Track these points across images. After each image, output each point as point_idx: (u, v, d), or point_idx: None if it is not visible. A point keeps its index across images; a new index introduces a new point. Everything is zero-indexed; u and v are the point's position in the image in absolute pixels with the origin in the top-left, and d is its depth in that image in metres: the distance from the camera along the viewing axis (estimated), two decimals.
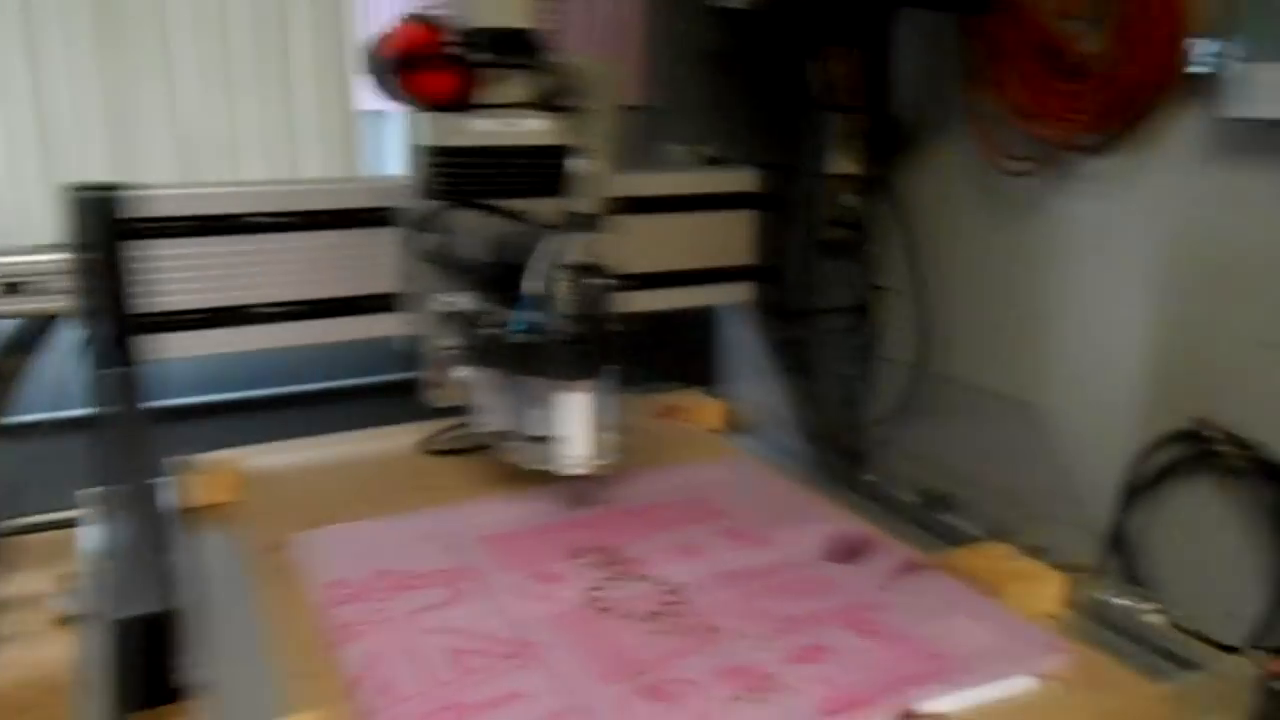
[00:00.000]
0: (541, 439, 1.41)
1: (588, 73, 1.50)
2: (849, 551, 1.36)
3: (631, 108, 2.10)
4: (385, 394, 1.83)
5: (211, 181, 1.81)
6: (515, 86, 1.46)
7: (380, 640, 1.16)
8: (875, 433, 2.11)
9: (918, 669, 1.11)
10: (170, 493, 1.49)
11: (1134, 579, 1.63)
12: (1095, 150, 1.67)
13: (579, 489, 1.50)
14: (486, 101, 1.44)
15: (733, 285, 1.95)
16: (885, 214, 2.06)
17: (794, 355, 1.98)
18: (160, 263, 1.53)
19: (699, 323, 2.08)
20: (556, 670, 1.11)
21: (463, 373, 1.51)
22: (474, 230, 1.49)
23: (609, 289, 1.37)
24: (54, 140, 1.79)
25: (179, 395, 1.84)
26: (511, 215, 1.46)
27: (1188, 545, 1.58)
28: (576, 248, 1.36)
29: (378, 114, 1.97)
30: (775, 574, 1.31)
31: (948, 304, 1.99)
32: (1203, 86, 1.45)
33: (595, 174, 1.51)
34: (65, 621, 1.42)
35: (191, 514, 1.51)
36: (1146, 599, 1.56)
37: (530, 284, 1.34)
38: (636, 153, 2.03)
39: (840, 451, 1.93)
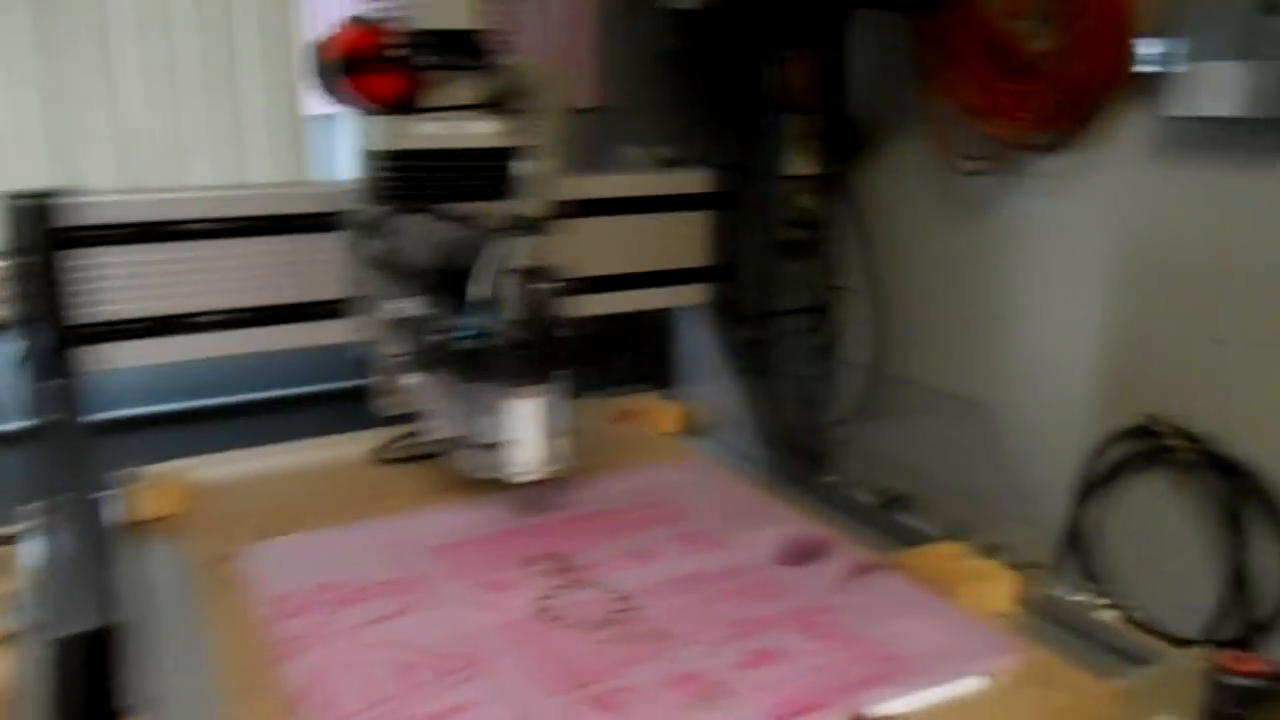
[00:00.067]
0: (492, 446, 1.39)
1: (535, 74, 1.48)
2: (803, 554, 1.36)
3: (587, 110, 2.08)
4: (336, 402, 1.80)
5: (153, 187, 1.77)
6: (462, 88, 1.43)
7: (325, 655, 1.14)
8: (834, 434, 2.11)
9: (869, 671, 1.11)
10: (116, 506, 1.46)
11: (1090, 575, 1.64)
12: (1046, 149, 1.67)
13: (532, 495, 1.48)
14: (433, 104, 1.42)
15: (689, 287, 1.94)
16: (842, 214, 2.06)
17: (752, 357, 1.97)
18: (101, 271, 1.50)
19: (657, 325, 2.06)
20: (504, 682, 1.09)
21: (412, 380, 1.49)
22: (422, 235, 1.47)
23: (557, 293, 1.35)
24: None
25: (124, 406, 1.80)
26: (459, 219, 1.44)
27: (1142, 540, 1.59)
28: (524, 251, 1.35)
29: (328, 117, 1.93)
30: (729, 578, 1.30)
31: (905, 304, 1.99)
32: (1149, 86, 1.46)
33: (543, 176, 1.49)
34: (5, 639, 1.39)
35: (138, 527, 1.48)
36: (1101, 595, 1.57)
37: (476, 289, 1.32)
38: (592, 155, 2.02)
39: (799, 453, 1.92)
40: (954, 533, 1.61)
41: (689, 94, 2.08)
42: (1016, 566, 1.54)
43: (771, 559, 1.36)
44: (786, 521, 1.48)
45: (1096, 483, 1.65)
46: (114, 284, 1.51)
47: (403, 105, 1.41)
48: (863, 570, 1.32)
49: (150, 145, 1.83)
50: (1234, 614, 1.44)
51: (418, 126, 1.41)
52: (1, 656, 1.34)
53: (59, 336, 1.48)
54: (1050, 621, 1.28)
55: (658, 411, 1.94)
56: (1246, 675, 1.25)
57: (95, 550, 1.26)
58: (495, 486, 1.45)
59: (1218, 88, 1.35)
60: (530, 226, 1.41)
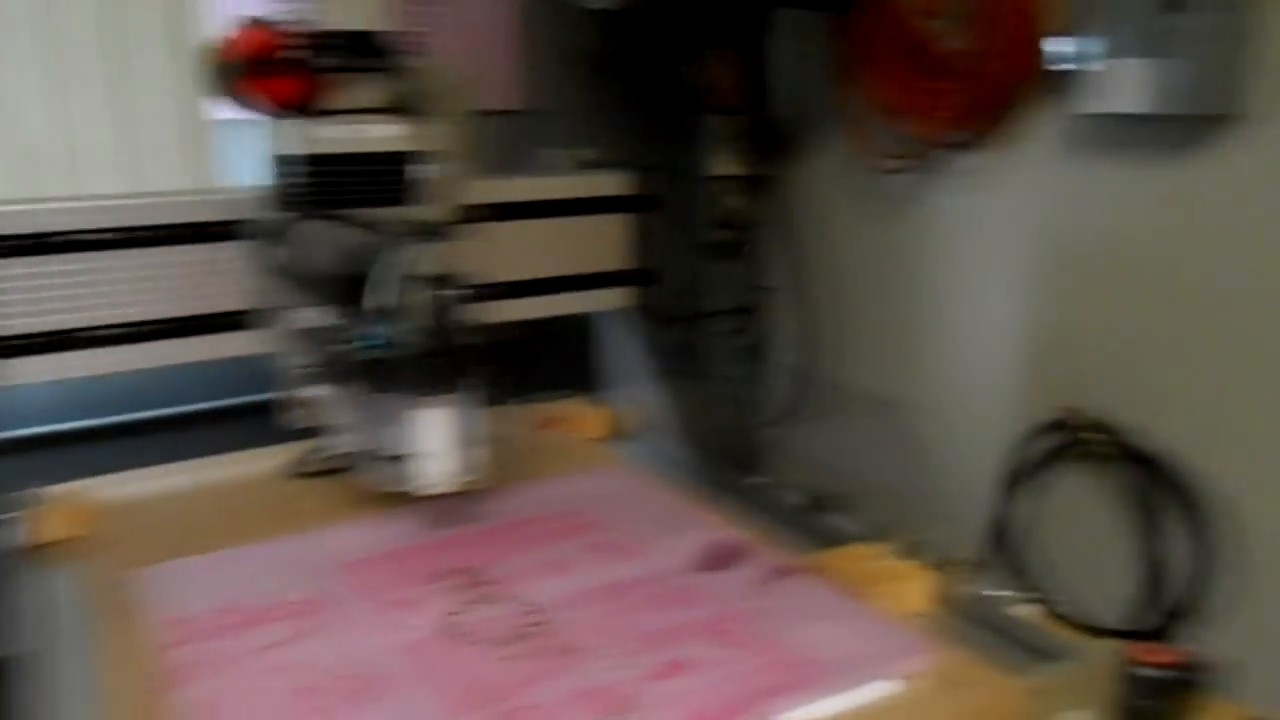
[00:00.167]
0: (400, 458, 1.36)
1: (441, 76, 1.45)
2: (720, 560, 1.34)
3: (507, 112, 2.05)
4: (244, 417, 1.75)
5: (50, 197, 1.71)
6: (365, 91, 1.40)
7: (219, 683, 1.10)
8: (763, 436, 2.10)
9: (781, 679, 1.09)
10: (17, 529, 1.40)
11: (1016, 570, 1.64)
12: (964, 146, 1.68)
13: (444, 508, 1.44)
14: (335, 107, 1.39)
15: (611, 290, 1.92)
16: (769, 215, 2.05)
17: (679, 360, 1.96)
18: None
19: (581, 330, 2.04)
20: (406, 704, 1.06)
21: (320, 392, 1.45)
22: (327, 242, 1.42)
23: (464, 300, 1.32)
24: None
25: (24, 425, 1.73)
26: (364, 225, 1.41)
27: (1065, 533, 1.60)
28: (429, 258, 1.32)
29: (236, 123, 1.88)
30: (643, 587, 1.28)
31: (833, 303, 1.98)
32: (1062, 83, 1.46)
33: (449, 180, 1.45)
34: None
35: (40, 551, 1.42)
36: (1025, 590, 1.58)
37: (376, 297, 1.29)
38: (513, 157, 1.99)
39: (727, 455, 1.91)
40: (880, 533, 1.61)
41: (613, 95, 2.06)
42: (940, 564, 1.54)
43: (688, 566, 1.34)
44: (707, 527, 1.46)
45: (1019, 477, 1.65)
46: (10, 298, 1.45)
47: (303, 109, 1.38)
48: (780, 574, 1.30)
49: (47, 154, 1.77)
50: (1153, 604, 1.46)
51: (319, 130, 1.38)
52: None
53: None
54: (967, 620, 1.28)
55: (583, 417, 1.91)
56: (1157, 666, 1.26)
57: None
58: (407, 500, 1.42)
59: (1125, 85, 1.36)
60: (436, 232, 1.37)
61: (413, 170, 1.41)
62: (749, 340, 2.12)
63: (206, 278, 1.56)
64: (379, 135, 1.39)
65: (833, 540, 1.48)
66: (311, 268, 1.44)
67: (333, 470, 1.61)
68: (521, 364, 1.83)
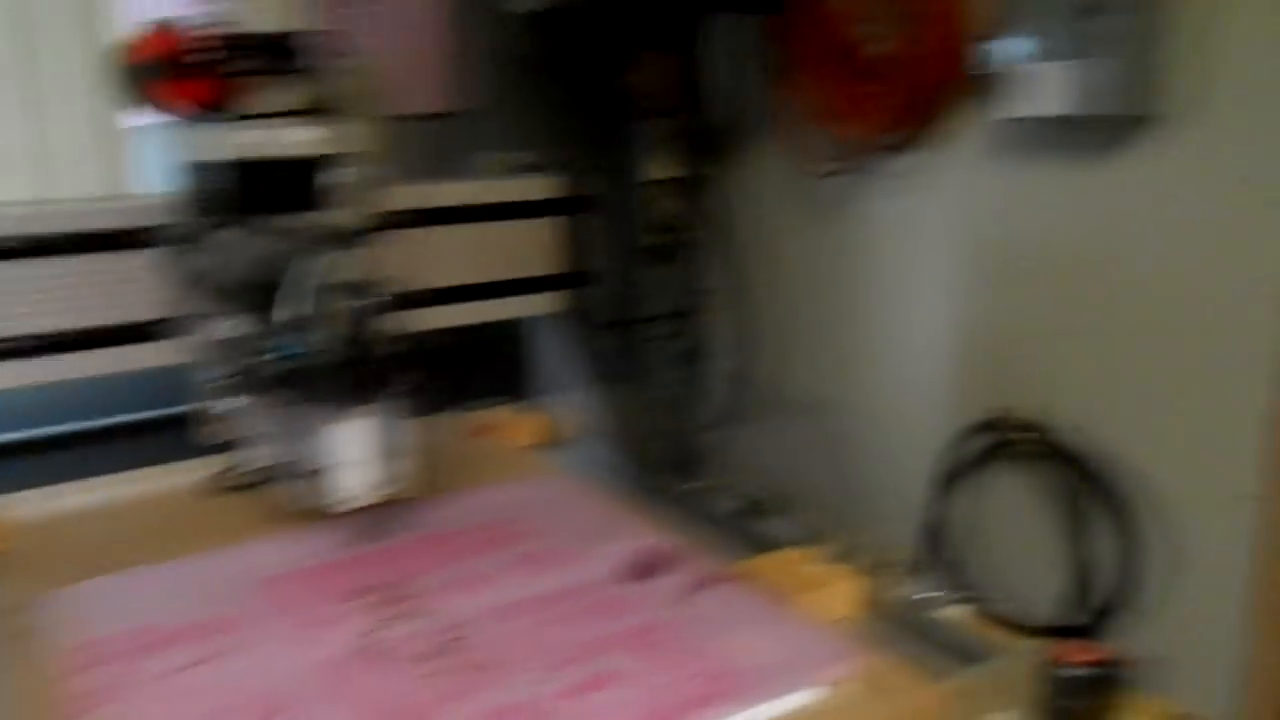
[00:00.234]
0: (319, 472, 1.32)
1: (361, 78, 1.42)
2: (646, 569, 1.32)
3: (439, 115, 2.02)
4: (161, 430, 1.70)
5: None
6: (281, 94, 1.36)
7: (130, 707, 1.06)
8: (701, 440, 2.09)
9: (705, 689, 1.08)
10: None
11: (953, 570, 1.65)
12: (896, 149, 1.68)
13: (368, 522, 1.41)
14: (250, 111, 1.35)
15: (543, 295, 1.90)
16: (705, 217, 2.04)
17: (615, 364, 1.94)
18: None
19: (515, 336, 2.01)
20: None
21: (237, 404, 1.41)
22: (242, 249, 1.38)
23: (384, 307, 1.29)
24: None
25: None
26: (280, 232, 1.37)
27: (999, 533, 1.61)
28: (346, 265, 1.28)
29: (150, 128, 1.83)
30: (567, 599, 1.26)
31: (770, 306, 1.98)
32: (989, 86, 1.47)
33: (369, 185, 1.42)
34: None
35: None
36: (958, 590, 1.58)
37: (290, 306, 1.25)
38: (447, 161, 1.96)
39: (664, 461, 1.90)
40: (816, 536, 1.60)
41: (547, 98, 2.04)
42: (872, 568, 1.54)
43: (613, 576, 1.32)
44: (638, 535, 1.44)
45: (953, 478, 1.66)
46: None
47: (216, 112, 1.34)
48: (706, 582, 1.29)
49: None
50: (1083, 602, 1.47)
51: (233, 135, 1.34)
52: None
53: None
54: (895, 624, 1.28)
55: (516, 424, 1.88)
56: (1080, 665, 1.27)
57: None
58: (328, 514, 1.38)
59: (1049, 88, 1.36)
60: (354, 238, 1.34)
61: (330, 175, 1.37)
62: (687, 344, 2.11)
63: (119, 287, 1.51)
64: (295, 139, 1.35)
65: (767, 545, 1.47)
66: (227, 276, 1.39)
67: (251, 485, 1.57)
68: (449, 372, 1.81)
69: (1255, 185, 1.21)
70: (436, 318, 1.71)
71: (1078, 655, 1.27)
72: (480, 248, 1.79)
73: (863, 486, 1.85)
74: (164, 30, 1.34)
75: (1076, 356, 1.47)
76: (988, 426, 1.61)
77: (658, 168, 2.01)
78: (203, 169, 1.36)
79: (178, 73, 1.32)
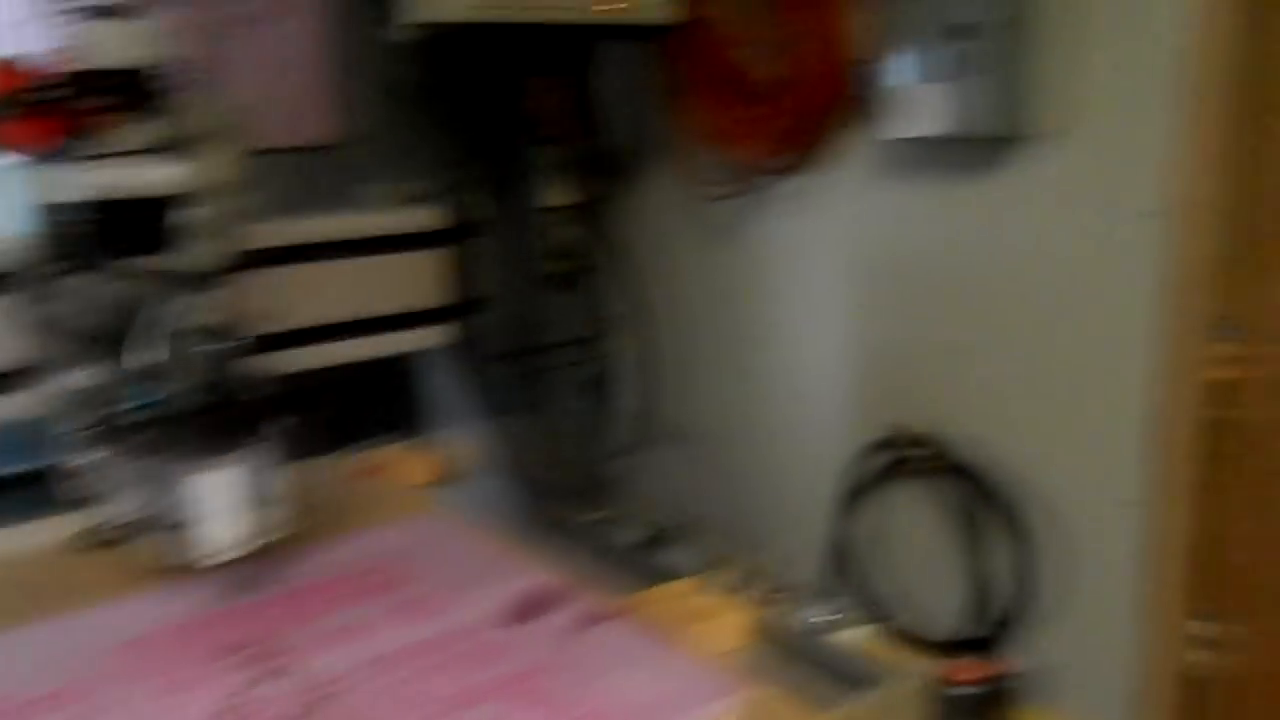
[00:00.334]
0: (183, 525, 1.25)
1: (220, 113, 1.36)
2: (530, 610, 1.28)
3: (322, 147, 1.96)
4: (18, 486, 1.60)
5: None
6: (133, 132, 1.30)
7: None
8: (604, 469, 2.06)
9: None
10: None
11: (858, 589, 1.64)
12: (784, 171, 1.69)
13: (236, 576, 1.34)
14: (100, 149, 1.29)
15: (431, 329, 1.85)
16: (604, 244, 2.02)
17: (511, 395, 1.90)
18: None
19: (407, 371, 1.96)
20: None
21: (95, 457, 1.33)
22: (94, 294, 1.32)
23: (246, 351, 1.24)
24: None
25: None
26: (134, 275, 1.30)
27: (901, 550, 1.61)
28: (204, 307, 1.23)
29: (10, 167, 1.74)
30: (443, 648, 1.21)
31: (672, 331, 1.97)
32: (873, 108, 1.48)
33: (230, 223, 1.36)
34: None
35: None
36: (860, 610, 1.58)
37: (145, 353, 1.19)
38: (331, 194, 1.90)
39: (565, 492, 1.86)
40: (716, 564, 1.59)
41: (437, 127, 2.00)
42: (766, 595, 1.53)
43: (496, 619, 1.27)
44: (521, 574, 1.40)
45: (855, 496, 1.66)
46: None
47: (65, 152, 1.28)
48: (591, 620, 1.26)
49: None
50: (982, 615, 1.47)
51: (82, 174, 1.27)
52: None
53: None
54: (785, 652, 1.26)
55: (408, 463, 1.82)
56: (970, 683, 1.27)
57: None
58: (194, 570, 1.31)
59: (927, 109, 1.38)
60: (212, 279, 1.28)
61: (187, 214, 1.31)
62: (589, 371, 2.08)
63: None
64: (148, 178, 1.29)
65: (665, 576, 1.45)
66: (81, 322, 1.32)
67: (114, 541, 1.47)
68: (337, 411, 1.75)
69: (1124, 198, 1.24)
70: (316, 356, 1.65)
71: (967, 673, 1.28)
72: (363, 282, 1.74)
73: (766, 510, 1.84)
74: (7, 67, 1.27)
75: (966, 371, 1.49)
76: (886, 444, 1.62)
77: (554, 194, 1.99)
78: (53, 210, 1.29)
79: (24, 111, 1.25)
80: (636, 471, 2.03)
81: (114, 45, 1.30)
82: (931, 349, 1.53)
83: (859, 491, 1.65)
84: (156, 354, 1.20)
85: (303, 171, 1.89)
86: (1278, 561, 1.21)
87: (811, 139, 1.64)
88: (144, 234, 1.30)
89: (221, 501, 1.24)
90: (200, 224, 1.32)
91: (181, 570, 1.32)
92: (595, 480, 2.05)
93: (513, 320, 1.97)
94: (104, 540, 1.50)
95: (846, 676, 1.21)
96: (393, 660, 1.18)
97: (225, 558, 1.26)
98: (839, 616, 1.48)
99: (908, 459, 1.59)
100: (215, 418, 1.21)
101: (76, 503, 1.43)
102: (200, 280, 1.27)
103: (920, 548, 1.58)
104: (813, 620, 1.42)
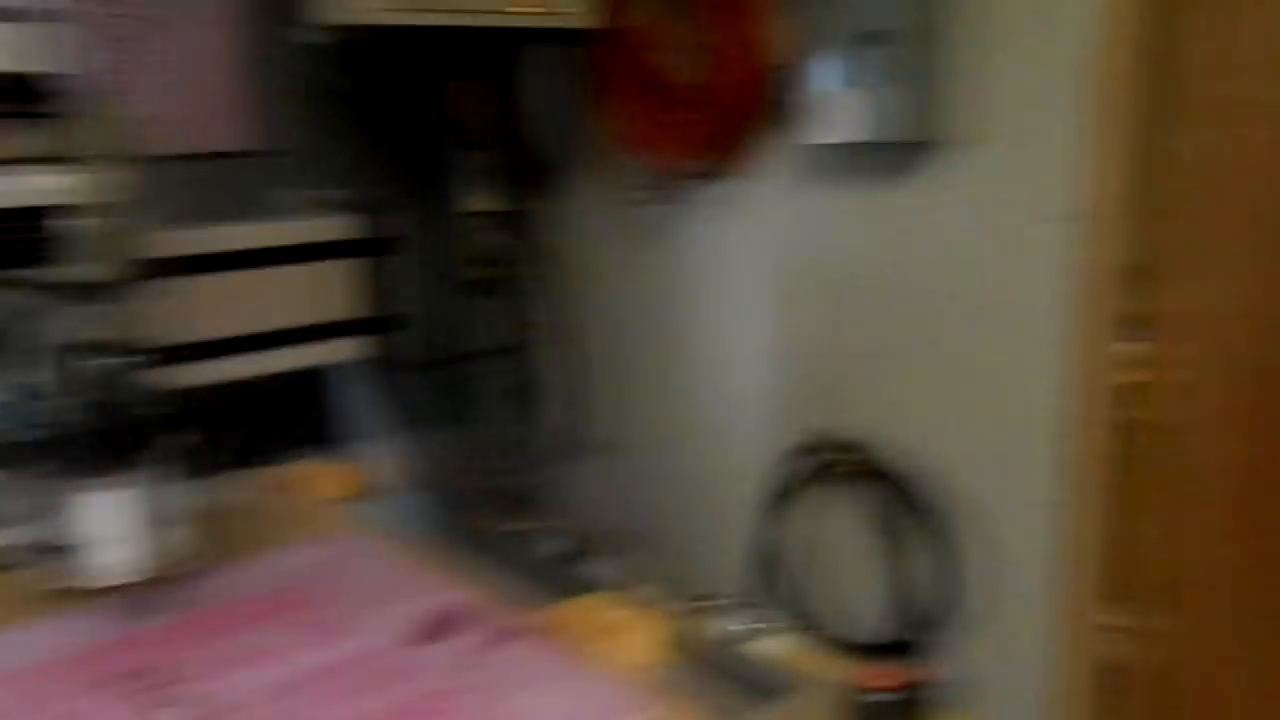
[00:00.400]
0: (74, 548, 1.20)
1: (114, 120, 1.31)
2: (439, 629, 1.25)
3: (232, 153, 1.90)
4: None
5: None
6: (22, 140, 1.25)
7: None
8: (528, 481, 2.02)
9: None
10: None
11: (782, 596, 1.64)
12: (706, 176, 1.68)
13: (133, 601, 1.29)
14: None
15: (346, 340, 1.80)
16: (530, 250, 1.99)
17: (431, 407, 1.86)
18: None
19: (322, 384, 1.91)
20: None
21: None
22: None
23: (139, 365, 1.19)
24: None
25: None
26: (19, 288, 1.25)
27: (825, 555, 1.61)
28: (94, 321, 1.18)
29: None
30: (347, 671, 1.18)
31: (598, 339, 1.95)
32: (792, 114, 1.48)
33: (122, 234, 1.31)
34: None
35: None
36: (784, 617, 1.57)
37: (28, 370, 1.14)
38: (243, 201, 1.85)
39: (486, 505, 1.83)
40: (635, 576, 1.56)
41: (357, 132, 1.96)
42: (689, 604, 1.51)
43: (404, 639, 1.24)
44: (433, 592, 1.36)
45: (779, 502, 1.65)
46: None
47: None
48: (501, 638, 1.23)
49: None
50: (904, 620, 1.47)
51: None
52: None
53: None
54: (700, 664, 1.25)
55: (323, 478, 1.78)
56: (884, 690, 1.27)
57: None
58: (87, 596, 1.25)
59: (844, 116, 1.38)
60: (103, 292, 1.23)
61: (75, 224, 1.26)
62: (512, 380, 2.05)
63: None
64: (33, 187, 1.24)
65: (584, 589, 1.42)
66: None
67: (4, 566, 1.42)
68: (248, 426, 1.69)
69: (1035, 203, 1.25)
70: (225, 370, 1.60)
71: (881, 680, 1.27)
72: (275, 293, 1.69)
73: (691, 518, 1.83)
74: None
75: (887, 375, 1.49)
76: (810, 449, 1.61)
77: (478, 200, 1.95)
78: None
79: None
80: (561, 482, 2.01)
81: (3, 50, 1.25)
82: (854, 353, 1.53)
83: (783, 497, 1.64)
84: (36, 371, 1.14)
85: (212, 179, 1.84)
86: (1192, 558, 1.23)
87: (732, 144, 1.63)
88: (29, 246, 1.25)
89: (115, 523, 1.18)
90: (92, 235, 1.26)
91: (74, 597, 1.26)
92: (518, 492, 2.02)
93: (434, 329, 1.93)
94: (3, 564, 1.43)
95: (759, 687, 1.20)
96: (295, 685, 1.14)
97: (119, 582, 1.21)
98: (760, 625, 1.47)
99: (832, 464, 1.59)
100: (107, 436, 1.16)
101: None
102: (92, 292, 1.21)
103: (844, 553, 1.58)
104: (733, 630, 1.41)
